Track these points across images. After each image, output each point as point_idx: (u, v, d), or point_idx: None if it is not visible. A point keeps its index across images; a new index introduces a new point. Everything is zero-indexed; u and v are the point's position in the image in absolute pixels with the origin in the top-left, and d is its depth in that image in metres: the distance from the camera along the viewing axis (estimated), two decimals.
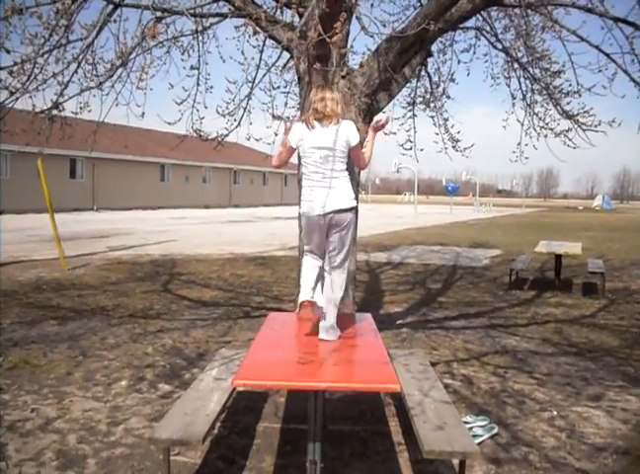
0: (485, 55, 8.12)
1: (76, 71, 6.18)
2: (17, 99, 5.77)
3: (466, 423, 4.59)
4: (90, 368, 6.31)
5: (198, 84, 7.07)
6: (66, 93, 6.20)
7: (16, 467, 4.13)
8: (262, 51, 7.14)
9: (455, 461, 4.09)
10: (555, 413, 5.34)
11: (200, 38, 6.90)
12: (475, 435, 4.53)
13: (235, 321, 8.54)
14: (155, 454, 4.33)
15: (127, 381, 5.96)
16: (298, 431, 4.68)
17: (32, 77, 5.75)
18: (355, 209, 4.39)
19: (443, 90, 8.30)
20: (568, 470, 4.27)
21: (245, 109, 7.15)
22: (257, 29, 5.33)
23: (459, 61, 8.25)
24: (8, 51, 5.41)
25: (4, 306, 9.03)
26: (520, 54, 7.62)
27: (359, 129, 4.37)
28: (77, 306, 9.26)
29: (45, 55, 5.77)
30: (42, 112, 6.17)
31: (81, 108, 6.29)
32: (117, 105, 6.31)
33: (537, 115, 7.77)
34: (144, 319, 8.52)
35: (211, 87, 7.20)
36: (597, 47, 5.90)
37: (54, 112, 6.27)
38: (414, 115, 8.32)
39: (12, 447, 4.42)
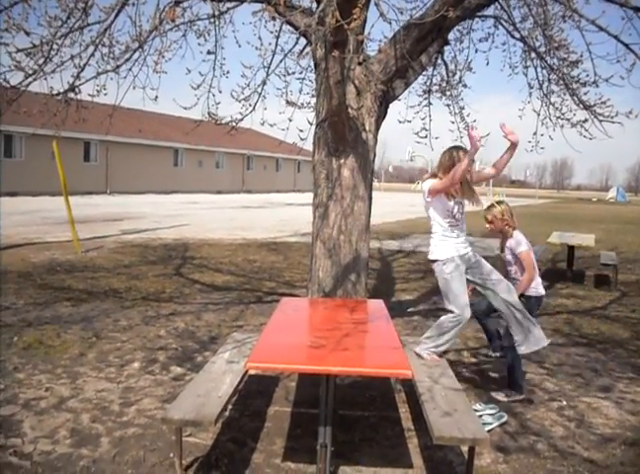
0: (503, 44, 8.08)
1: (93, 54, 6.18)
2: (34, 80, 5.80)
3: (476, 411, 4.61)
4: (103, 350, 6.37)
5: (214, 69, 7.06)
6: (83, 76, 6.21)
7: (31, 444, 4.20)
8: (278, 37, 7.13)
9: (464, 448, 4.12)
10: (564, 403, 5.35)
11: (217, 22, 6.88)
12: (484, 423, 4.56)
13: (247, 306, 8.58)
14: (167, 435, 4.38)
15: (140, 363, 6.02)
16: (309, 415, 4.72)
17: (49, 59, 5.78)
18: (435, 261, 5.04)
19: (460, 78, 8.28)
20: (576, 459, 4.28)
21: (260, 94, 7.15)
22: (274, 14, 5.32)
23: (477, 50, 8.21)
24: (27, 33, 5.42)
25: (18, 287, 9.12)
26: (537, 44, 7.57)
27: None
28: (90, 288, 9.33)
29: (63, 38, 5.79)
30: (59, 94, 6.19)
31: (98, 91, 6.30)
32: (134, 88, 6.32)
33: (554, 105, 7.74)
34: (157, 302, 8.59)
35: (227, 72, 7.19)
36: (615, 37, 5.85)
37: (71, 94, 6.29)
38: (429, 103, 8.30)
39: (27, 425, 4.49)
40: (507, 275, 5.65)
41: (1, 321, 7.23)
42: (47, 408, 4.83)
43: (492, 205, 5.82)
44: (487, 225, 5.84)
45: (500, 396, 5.33)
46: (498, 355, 6.14)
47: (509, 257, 5.74)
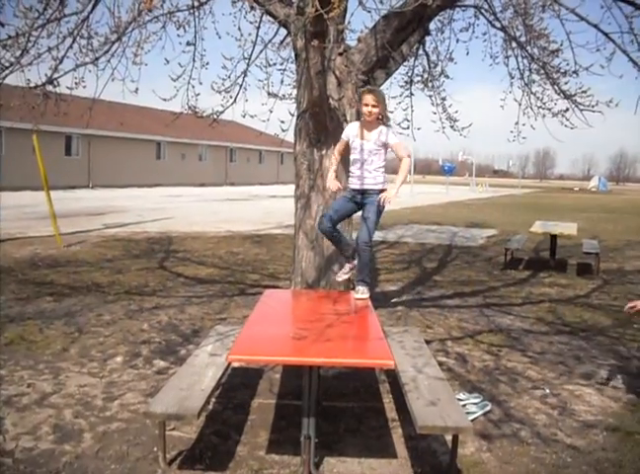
0: (484, 34, 8.06)
1: (71, 46, 6.12)
2: (10, 73, 5.72)
3: (460, 400, 4.64)
4: (86, 344, 6.33)
5: (193, 60, 7.02)
6: (61, 68, 6.14)
7: (13, 441, 4.16)
8: (258, 28, 7.09)
9: (448, 437, 4.14)
10: (547, 391, 5.39)
11: (197, 13, 6.84)
12: (468, 412, 4.57)
13: (230, 298, 8.56)
14: (150, 429, 4.36)
15: (123, 357, 5.99)
16: (293, 406, 4.72)
17: (25, 51, 5.70)
18: None
19: (442, 69, 8.26)
20: (559, 446, 4.32)
21: (241, 86, 7.11)
22: (254, 4, 5.29)
23: (458, 40, 8.20)
24: (2, 25, 5.35)
25: (0, 283, 9.04)
26: (518, 33, 7.56)
27: None
28: (73, 283, 9.26)
29: (40, 29, 5.72)
30: (37, 87, 6.11)
31: (76, 83, 6.23)
32: (112, 80, 6.26)
33: (535, 94, 7.75)
34: (140, 296, 8.54)
35: (207, 63, 7.16)
36: (595, 26, 5.86)
37: (49, 87, 6.22)
38: (411, 93, 8.28)
39: (9, 421, 4.45)
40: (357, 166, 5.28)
41: None
42: (29, 404, 4.78)
43: (376, 89, 5.22)
44: (370, 109, 4.89)
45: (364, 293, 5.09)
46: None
47: (370, 146, 5.12)
